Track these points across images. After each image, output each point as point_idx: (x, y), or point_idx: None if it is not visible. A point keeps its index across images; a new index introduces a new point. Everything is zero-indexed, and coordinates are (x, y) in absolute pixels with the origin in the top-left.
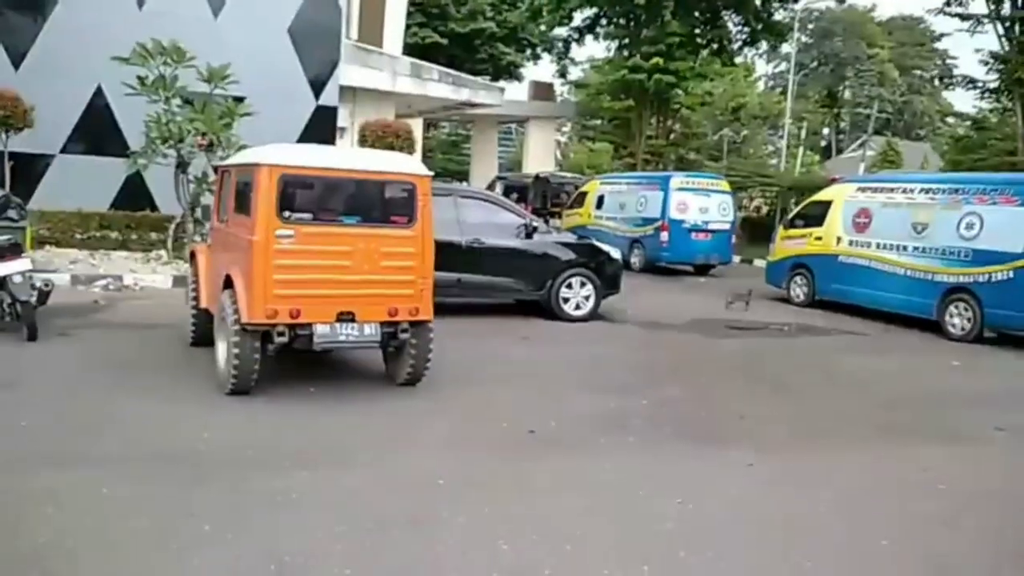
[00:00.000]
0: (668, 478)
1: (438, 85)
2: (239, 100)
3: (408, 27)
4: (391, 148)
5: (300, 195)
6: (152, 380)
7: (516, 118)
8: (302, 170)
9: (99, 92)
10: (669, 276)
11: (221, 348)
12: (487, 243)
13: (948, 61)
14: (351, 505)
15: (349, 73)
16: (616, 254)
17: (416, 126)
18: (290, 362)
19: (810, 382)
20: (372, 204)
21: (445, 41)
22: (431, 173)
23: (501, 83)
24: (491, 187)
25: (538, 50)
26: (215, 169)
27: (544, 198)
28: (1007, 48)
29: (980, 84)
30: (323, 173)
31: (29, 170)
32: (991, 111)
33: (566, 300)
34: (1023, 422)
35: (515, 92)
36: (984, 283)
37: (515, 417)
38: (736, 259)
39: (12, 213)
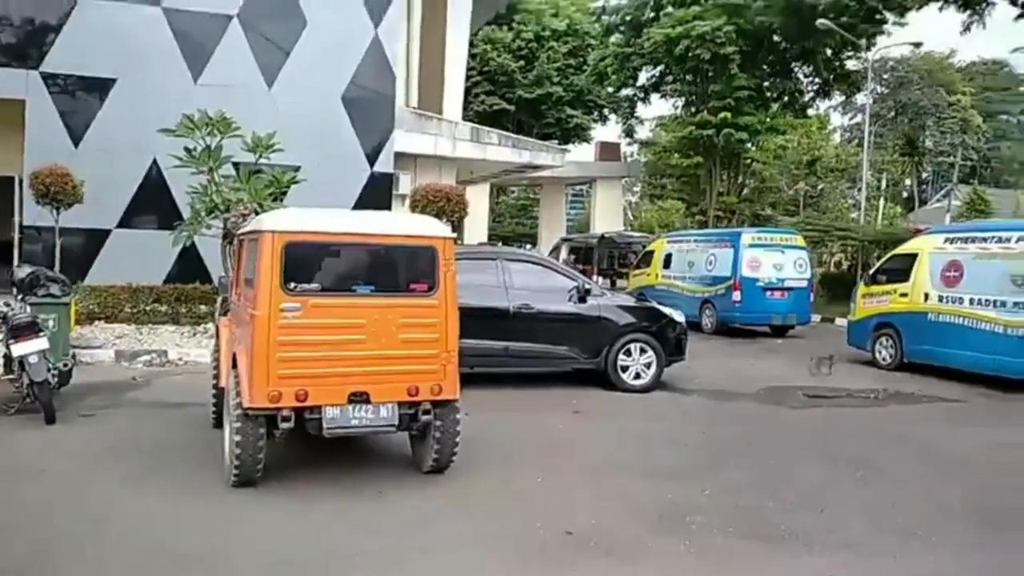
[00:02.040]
0: None
1: (498, 149)
2: (295, 169)
3: (476, 95)
4: (442, 211)
5: (308, 264)
6: (158, 470)
7: (583, 179)
8: (309, 236)
9: (154, 166)
10: (743, 338)
11: (227, 434)
12: (536, 308)
13: None
14: None
15: (408, 140)
16: (679, 317)
17: (483, 191)
18: (309, 444)
19: (899, 461)
20: (388, 271)
21: (512, 107)
22: (453, 235)
23: (569, 145)
24: (556, 249)
25: (605, 111)
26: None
27: (611, 259)
28: None
29: None
30: (333, 239)
31: (86, 245)
32: None
33: (625, 368)
34: None
35: (583, 153)
36: None
37: (552, 513)
38: (816, 318)
39: (55, 289)
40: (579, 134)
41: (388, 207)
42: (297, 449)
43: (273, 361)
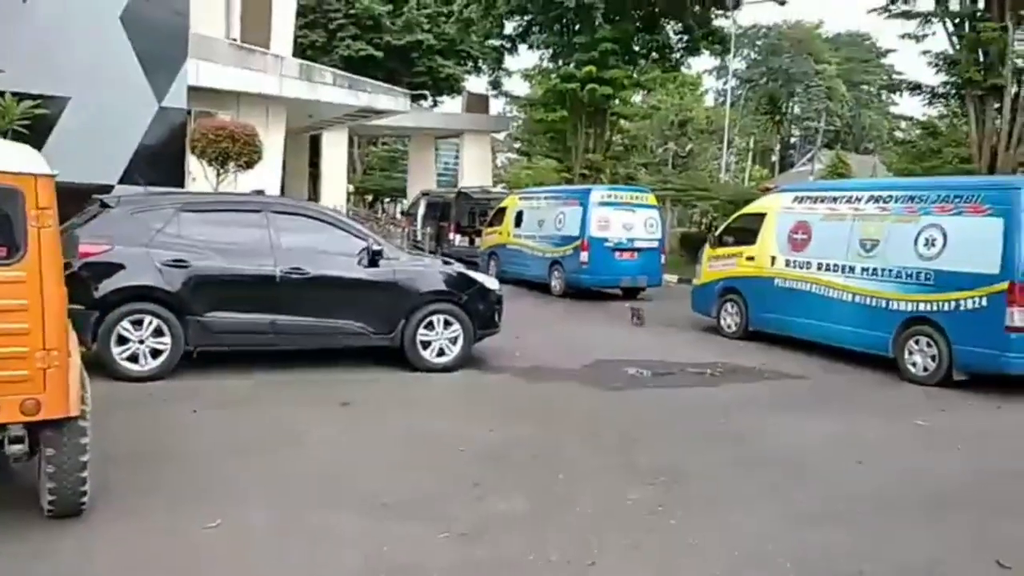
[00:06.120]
0: None
1: (332, 89)
2: (63, 100)
3: (341, 39)
4: (226, 154)
5: None
6: None
7: (452, 131)
8: None
9: None
10: (592, 301)
11: None
12: (312, 273)
13: (894, 76)
14: None
15: (225, 75)
16: (494, 284)
17: (340, 140)
18: None
19: (716, 474)
20: None
21: (380, 54)
22: (53, 172)
23: (443, 97)
24: (415, 203)
25: (479, 62)
26: None
27: (471, 215)
28: (957, 48)
29: (926, 88)
30: None
31: None
32: (940, 118)
33: (426, 344)
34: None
35: (458, 107)
36: (950, 312)
37: None
38: (672, 279)
39: None
40: (452, 86)
41: (181, 149)
42: None
43: None
